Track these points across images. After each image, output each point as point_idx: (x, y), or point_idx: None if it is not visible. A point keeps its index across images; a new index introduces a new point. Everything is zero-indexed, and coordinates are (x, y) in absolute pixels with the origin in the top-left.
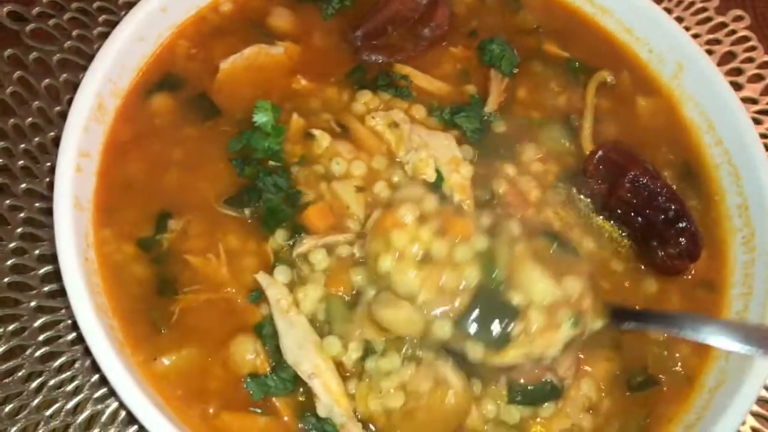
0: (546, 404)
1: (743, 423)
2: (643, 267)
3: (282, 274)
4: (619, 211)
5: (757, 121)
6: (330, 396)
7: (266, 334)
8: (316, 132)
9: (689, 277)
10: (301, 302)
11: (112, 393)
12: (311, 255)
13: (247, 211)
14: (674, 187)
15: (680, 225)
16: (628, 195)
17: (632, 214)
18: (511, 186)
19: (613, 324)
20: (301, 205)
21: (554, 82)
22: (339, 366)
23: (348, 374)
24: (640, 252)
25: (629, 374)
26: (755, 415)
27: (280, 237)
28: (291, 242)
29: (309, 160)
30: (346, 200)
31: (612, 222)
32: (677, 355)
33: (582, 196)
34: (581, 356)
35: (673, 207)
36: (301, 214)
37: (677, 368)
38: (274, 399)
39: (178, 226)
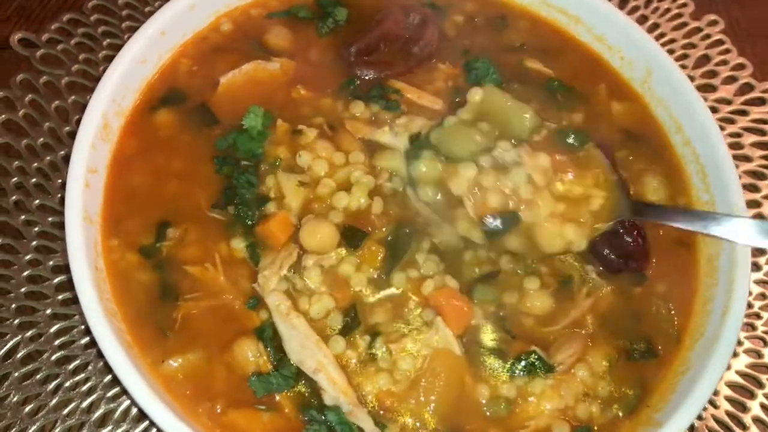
0: (535, 380)
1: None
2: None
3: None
4: None
5: (730, 121)
6: (335, 387)
7: (266, 336)
8: (303, 128)
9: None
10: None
11: (123, 392)
12: (306, 273)
13: (231, 210)
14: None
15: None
16: None
17: None
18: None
19: (635, 217)
20: (265, 214)
21: (534, 102)
22: (343, 362)
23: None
24: None
25: (630, 344)
26: (729, 400)
27: (237, 243)
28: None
29: (285, 163)
30: (284, 190)
31: None
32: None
33: None
34: (589, 343)
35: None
36: (262, 221)
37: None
38: (276, 395)
39: (176, 234)
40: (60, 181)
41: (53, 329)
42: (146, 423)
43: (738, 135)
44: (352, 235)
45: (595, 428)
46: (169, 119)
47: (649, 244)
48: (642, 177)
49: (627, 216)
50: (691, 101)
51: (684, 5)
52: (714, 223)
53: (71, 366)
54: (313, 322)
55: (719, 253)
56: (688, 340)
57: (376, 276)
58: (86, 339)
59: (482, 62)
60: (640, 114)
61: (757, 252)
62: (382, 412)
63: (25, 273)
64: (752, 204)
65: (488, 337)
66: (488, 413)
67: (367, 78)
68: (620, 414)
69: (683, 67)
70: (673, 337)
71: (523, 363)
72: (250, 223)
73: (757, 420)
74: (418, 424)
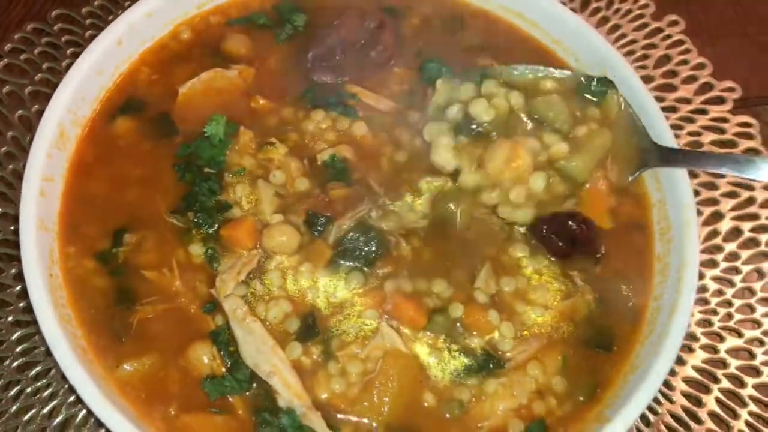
0: (489, 380)
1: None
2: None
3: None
4: None
5: (690, 120)
6: (289, 390)
7: (221, 340)
8: (276, 141)
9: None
10: (266, 313)
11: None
12: (267, 276)
13: (190, 216)
14: None
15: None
16: None
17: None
18: None
19: (662, 164)
20: (227, 218)
21: None
22: (298, 366)
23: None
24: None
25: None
26: (685, 395)
27: (195, 249)
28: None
29: (247, 172)
30: (261, 195)
31: None
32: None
33: None
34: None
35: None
36: (225, 227)
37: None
38: (230, 398)
39: (133, 239)
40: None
41: (15, 336)
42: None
43: (698, 134)
44: (314, 222)
45: (548, 423)
46: (129, 128)
47: (595, 232)
48: None
49: (654, 163)
50: (644, 103)
51: (645, 6)
52: (749, 166)
53: (33, 372)
54: (270, 327)
55: (669, 251)
56: (643, 329)
57: (330, 280)
58: (47, 345)
59: (435, 62)
60: None
61: (714, 249)
62: (337, 415)
63: None
64: (709, 202)
65: (439, 340)
66: (447, 415)
67: (324, 82)
68: (572, 410)
69: (643, 67)
70: (629, 319)
71: (474, 361)
72: (210, 230)
73: (712, 414)
74: (374, 424)
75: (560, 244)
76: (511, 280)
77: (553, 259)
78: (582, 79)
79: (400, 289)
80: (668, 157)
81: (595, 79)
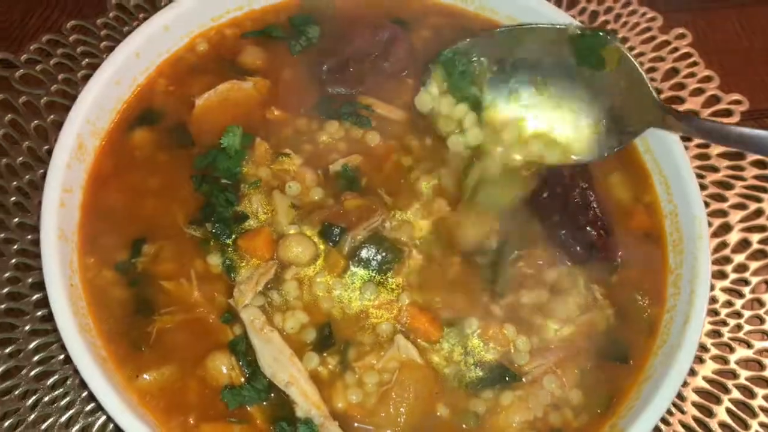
0: (504, 392)
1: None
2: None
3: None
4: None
5: None
6: (306, 400)
7: (239, 350)
8: (290, 152)
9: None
10: (283, 323)
11: (100, 407)
12: (284, 286)
13: (208, 226)
14: None
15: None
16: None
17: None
18: None
19: (666, 127)
20: (244, 229)
21: None
22: (316, 376)
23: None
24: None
25: (607, 346)
26: (696, 405)
27: (213, 259)
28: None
29: (263, 183)
30: (276, 205)
31: None
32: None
33: None
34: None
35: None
36: (243, 238)
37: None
38: (248, 408)
39: (152, 250)
40: (38, 200)
41: (32, 345)
42: None
43: (705, 146)
44: (329, 232)
45: None
46: (146, 139)
47: (615, 236)
48: (608, 174)
49: (657, 124)
50: None
51: (653, 19)
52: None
53: (50, 381)
54: (287, 337)
55: (682, 263)
56: (657, 340)
57: (345, 291)
58: (64, 354)
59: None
60: None
61: (723, 260)
62: (355, 424)
63: (5, 290)
64: (718, 213)
65: (455, 352)
66: (463, 425)
67: (339, 94)
68: (588, 421)
69: (653, 79)
70: (645, 331)
71: (489, 374)
72: (226, 240)
73: (723, 425)
74: None
75: (578, 248)
76: (530, 292)
77: (570, 264)
78: (577, 30)
79: (415, 301)
80: (672, 122)
81: (592, 32)
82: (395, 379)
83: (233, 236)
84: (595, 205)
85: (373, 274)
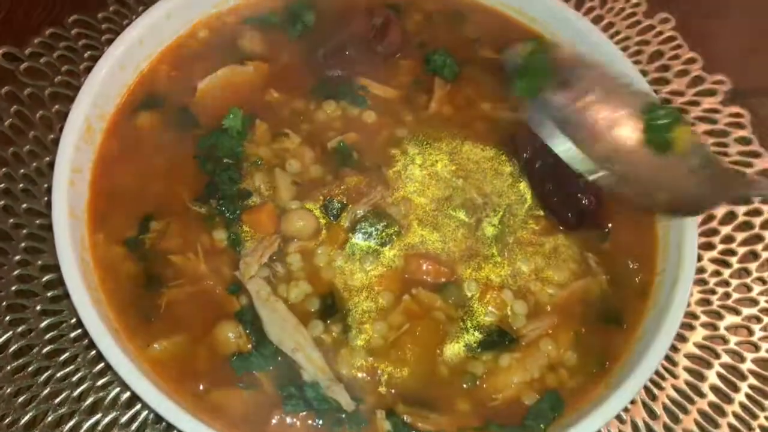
0: (503, 355)
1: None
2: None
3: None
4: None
5: (684, 111)
6: (312, 365)
7: (246, 319)
8: (289, 132)
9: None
10: (287, 293)
11: (112, 381)
12: (288, 258)
13: (212, 203)
14: None
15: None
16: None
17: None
18: None
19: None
20: (248, 205)
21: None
22: (320, 342)
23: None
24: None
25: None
26: (688, 370)
27: (218, 234)
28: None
29: (264, 162)
30: (279, 183)
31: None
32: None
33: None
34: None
35: None
36: (247, 213)
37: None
38: (256, 374)
39: (159, 226)
40: (46, 185)
41: (43, 324)
42: (135, 409)
43: (691, 125)
44: (330, 207)
45: (561, 393)
46: (151, 122)
47: (604, 206)
48: None
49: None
50: None
51: (637, 5)
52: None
53: (61, 358)
54: (292, 306)
55: (669, 228)
56: (649, 302)
57: (346, 262)
58: (75, 333)
59: (439, 54)
60: None
61: (711, 232)
62: (360, 385)
63: (15, 272)
64: None
65: (456, 314)
66: (464, 385)
67: (335, 76)
68: (583, 381)
69: (638, 62)
70: (637, 295)
71: (488, 337)
72: (231, 216)
73: (713, 388)
74: (392, 391)
75: (569, 215)
76: (527, 258)
77: (561, 228)
78: (653, 103)
79: (418, 252)
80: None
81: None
82: (404, 329)
83: (237, 212)
84: None
85: (373, 245)
